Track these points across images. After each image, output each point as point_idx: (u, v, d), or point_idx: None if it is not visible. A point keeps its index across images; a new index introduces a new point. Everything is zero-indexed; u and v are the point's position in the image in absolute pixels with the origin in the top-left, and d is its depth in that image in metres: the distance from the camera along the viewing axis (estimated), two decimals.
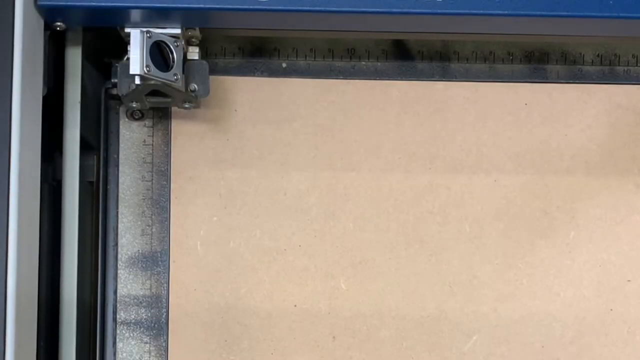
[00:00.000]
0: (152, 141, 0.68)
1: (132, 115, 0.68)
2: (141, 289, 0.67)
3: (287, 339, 0.67)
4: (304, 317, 0.67)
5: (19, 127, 0.55)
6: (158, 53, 0.62)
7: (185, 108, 0.66)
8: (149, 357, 0.67)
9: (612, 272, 0.68)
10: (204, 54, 0.67)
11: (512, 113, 0.69)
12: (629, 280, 0.68)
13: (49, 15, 0.59)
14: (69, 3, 0.58)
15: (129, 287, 0.67)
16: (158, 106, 0.67)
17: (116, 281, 0.67)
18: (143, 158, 0.68)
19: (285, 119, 0.69)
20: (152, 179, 0.68)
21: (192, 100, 0.65)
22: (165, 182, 0.68)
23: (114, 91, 0.67)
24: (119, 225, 0.68)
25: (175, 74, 0.63)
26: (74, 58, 0.64)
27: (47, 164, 0.61)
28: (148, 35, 0.61)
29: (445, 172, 0.69)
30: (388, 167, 0.69)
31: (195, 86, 0.64)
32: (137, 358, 0.67)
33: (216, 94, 0.68)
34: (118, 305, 0.67)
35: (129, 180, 0.68)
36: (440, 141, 0.69)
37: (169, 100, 0.66)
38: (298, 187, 0.68)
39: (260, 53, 0.69)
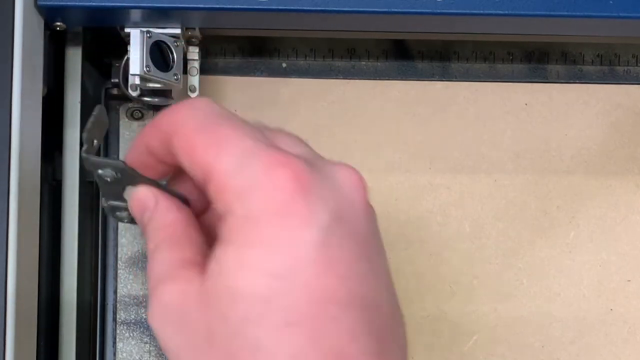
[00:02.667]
0: None
1: (132, 115, 0.68)
2: (141, 288, 0.67)
3: None
4: None
5: (19, 127, 0.55)
6: (158, 53, 0.62)
7: None
8: (149, 357, 0.67)
9: (613, 272, 0.68)
10: (204, 54, 0.66)
11: (512, 113, 0.69)
12: (629, 280, 0.68)
13: (49, 15, 0.59)
14: (69, 3, 0.58)
15: (129, 287, 0.67)
16: (160, 104, 0.67)
17: (116, 281, 0.67)
18: None
19: (285, 119, 0.68)
20: None
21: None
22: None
23: (114, 91, 0.67)
24: (119, 225, 0.68)
25: (175, 74, 0.63)
26: (74, 58, 0.63)
27: (47, 163, 0.61)
28: (148, 35, 0.61)
29: (445, 172, 0.69)
30: (388, 167, 0.69)
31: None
32: (137, 358, 0.67)
33: (216, 94, 0.68)
34: (118, 305, 0.67)
35: None
36: (440, 141, 0.69)
37: (172, 100, 0.66)
38: None
39: (260, 53, 0.69)
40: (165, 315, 0.42)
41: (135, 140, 0.47)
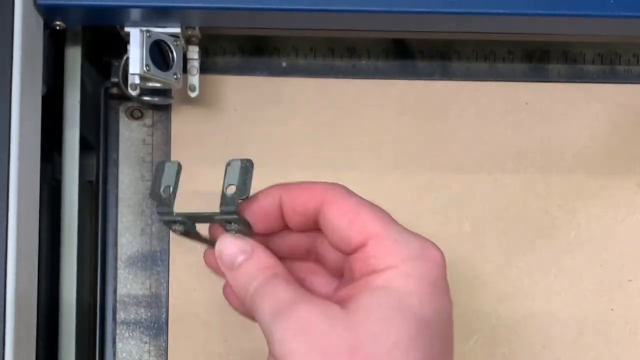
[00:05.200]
0: (152, 140, 0.68)
1: (132, 115, 0.68)
2: (141, 288, 0.67)
3: None
4: None
5: (18, 127, 0.55)
6: (158, 52, 0.62)
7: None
8: (149, 357, 0.67)
9: (613, 272, 0.68)
10: (204, 53, 0.66)
11: (513, 112, 0.69)
12: (630, 280, 0.68)
13: (48, 14, 0.59)
14: (68, 2, 0.58)
15: (128, 286, 0.67)
16: (160, 103, 0.67)
17: (116, 281, 0.67)
18: (142, 157, 0.68)
19: (285, 118, 0.68)
20: None
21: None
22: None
23: (114, 90, 0.67)
24: (119, 225, 0.68)
25: (175, 73, 0.62)
26: (74, 57, 0.63)
27: (46, 163, 0.61)
28: (148, 34, 0.61)
29: (446, 172, 0.68)
30: (388, 166, 0.68)
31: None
32: (136, 358, 0.67)
33: (216, 94, 0.68)
34: (117, 305, 0.67)
35: (129, 180, 0.68)
36: (440, 140, 0.69)
37: (172, 99, 0.66)
38: None
39: (260, 52, 0.69)
40: (304, 331, 0.47)
41: (271, 190, 0.55)
